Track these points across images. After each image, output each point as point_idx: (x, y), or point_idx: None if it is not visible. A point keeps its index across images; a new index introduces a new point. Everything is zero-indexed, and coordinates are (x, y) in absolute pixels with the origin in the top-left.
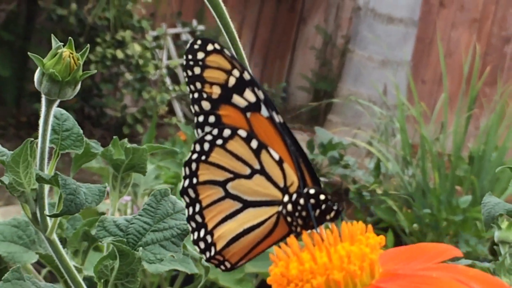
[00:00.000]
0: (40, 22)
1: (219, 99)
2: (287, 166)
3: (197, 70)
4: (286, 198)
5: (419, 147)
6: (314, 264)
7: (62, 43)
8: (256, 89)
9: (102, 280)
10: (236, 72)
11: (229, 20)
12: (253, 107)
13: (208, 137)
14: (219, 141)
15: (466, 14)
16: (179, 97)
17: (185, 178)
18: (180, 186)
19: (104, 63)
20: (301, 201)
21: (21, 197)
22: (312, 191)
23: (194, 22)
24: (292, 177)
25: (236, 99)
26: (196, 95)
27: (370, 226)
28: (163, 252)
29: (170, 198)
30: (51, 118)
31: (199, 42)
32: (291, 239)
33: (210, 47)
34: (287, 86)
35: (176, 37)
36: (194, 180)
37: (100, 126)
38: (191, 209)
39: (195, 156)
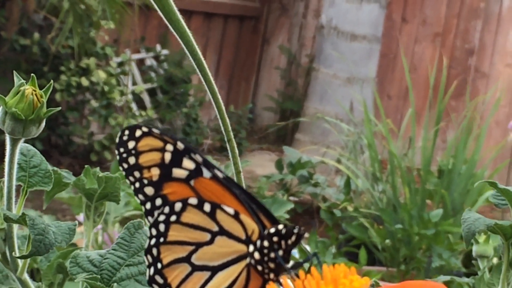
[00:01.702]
0: (3, 53)
1: (160, 179)
2: (244, 217)
3: (131, 160)
4: (251, 248)
5: (388, 162)
6: None
7: (25, 81)
8: (192, 155)
9: None
10: (169, 147)
11: (196, 46)
12: (195, 173)
13: (161, 218)
14: (173, 217)
15: (428, 28)
16: (146, 122)
17: (149, 266)
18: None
19: (70, 91)
20: (265, 243)
21: None
22: (272, 230)
23: (158, 47)
24: (252, 225)
25: (176, 172)
26: (137, 184)
27: (353, 268)
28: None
29: (144, 230)
30: (16, 157)
31: (126, 132)
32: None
33: (138, 132)
34: (253, 107)
35: (140, 62)
36: (159, 266)
37: (67, 154)
38: None
39: (153, 241)
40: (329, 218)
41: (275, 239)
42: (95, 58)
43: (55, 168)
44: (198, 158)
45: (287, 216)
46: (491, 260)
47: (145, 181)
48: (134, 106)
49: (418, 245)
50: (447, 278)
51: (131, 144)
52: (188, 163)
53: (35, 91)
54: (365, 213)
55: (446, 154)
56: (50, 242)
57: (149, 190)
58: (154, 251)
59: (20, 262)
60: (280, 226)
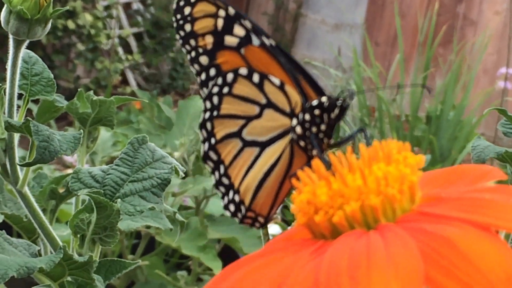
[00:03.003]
0: None
1: (214, 47)
2: (288, 88)
3: (187, 27)
4: (294, 122)
5: (376, 109)
6: (346, 188)
7: None
8: (242, 21)
9: (78, 235)
10: (222, 12)
11: None
12: (245, 41)
13: (215, 89)
14: (226, 89)
15: None
16: (132, 66)
17: (203, 141)
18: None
19: (55, 34)
20: (307, 116)
21: None
22: (314, 102)
23: None
24: (295, 97)
25: (228, 40)
26: (193, 54)
27: (407, 143)
28: (143, 204)
29: (149, 145)
30: (19, 61)
31: None
32: (316, 161)
33: None
34: None
35: (127, 6)
36: (213, 141)
37: None
38: (216, 173)
39: (207, 114)
40: (366, 135)
41: (317, 112)
42: (82, 1)
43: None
44: (248, 24)
45: None
46: None
47: (200, 50)
48: (120, 50)
49: None
50: None
51: (187, 10)
52: (239, 30)
53: None
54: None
55: (434, 100)
56: (55, 149)
57: (204, 59)
58: (208, 125)
59: (21, 174)
60: (323, 98)
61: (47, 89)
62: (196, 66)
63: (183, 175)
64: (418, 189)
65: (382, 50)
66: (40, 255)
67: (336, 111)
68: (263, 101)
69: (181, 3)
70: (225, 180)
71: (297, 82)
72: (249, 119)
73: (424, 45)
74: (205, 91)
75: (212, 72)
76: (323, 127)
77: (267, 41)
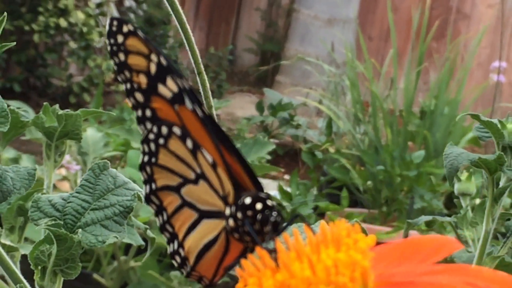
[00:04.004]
0: None
1: (148, 89)
2: (221, 171)
3: (121, 56)
4: (227, 211)
5: (370, 104)
6: (293, 279)
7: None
8: (176, 78)
9: (39, 267)
10: (154, 57)
11: None
12: (179, 99)
13: (151, 136)
14: (161, 141)
15: None
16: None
17: (144, 183)
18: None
19: (48, 32)
20: (239, 214)
21: None
22: (247, 200)
23: None
24: (227, 185)
25: (161, 89)
26: (128, 85)
27: (357, 225)
28: (105, 233)
29: (110, 171)
30: None
31: (115, 23)
32: (260, 249)
33: (125, 28)
34: (233, 49)
35: (119, 3)
36: (153, 186)
37: (46, 96)
38: (160, 217)
39: (146, 158)
40: (310, 160)
41: (249, 213)
42: None
43: (12, 107)
44: (181, 83)
45: (268, 157)
46: (473, 200)
47: (135, 85)
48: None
49: (400, 187)
50: (429, 218)
51: (119, 38)
52: (171, 85)
53: None
54: (346, 155)
55: (428, 95)
56: (8, 189)
57: (139, 97)
58: (148, 169)
59: None
60: (258, 206)
61: (1, 120)
62: (132, 100)
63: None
64: (371, 273)
65: (376, 45)
66: None
67: (268, 227)
68: (198, 170)
69: (114, 28)
70: (169, 228)
71: (228, 166)
72: (186, 180)
73: (417, 39)
74: (142, 128)
75: (148, 113)
76: (257, 227)
77: (199, 111)
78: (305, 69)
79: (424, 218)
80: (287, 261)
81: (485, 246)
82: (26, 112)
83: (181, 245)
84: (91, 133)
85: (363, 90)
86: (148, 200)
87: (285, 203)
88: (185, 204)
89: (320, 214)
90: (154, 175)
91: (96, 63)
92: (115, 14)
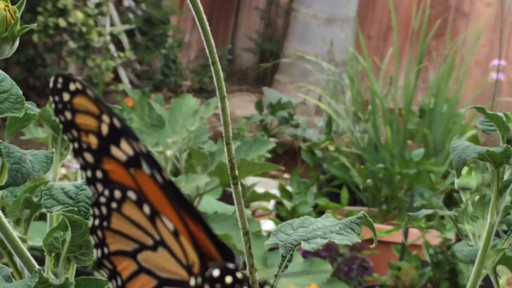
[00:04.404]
0: None
1: (99, 150)
2: (184, 240)
3: (68, 115)
4: (192, 282)
5: (369, 102)
6: None
7: None
8: (130, 141)
9: (53, 254)
10: (106, 118)
11: None
12: (135, 162)
13: (102, 199)
14: (114, 205)
15: None
16: (124, 63)
17: (96, 247)
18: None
19: (47, 32)
20: (206, 287)
21: None
22: (216, 272)
23: None
24: (192, 255)
25: (115, 151)
26: (76, 145)
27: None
28: None
29: None
30: None
31: (60, 80)
32: None
33: (72, 86)
34: (232, 48)
35: (118, 3)
36: (106, 250)
37: (45, 96)
38: (114, 282)
39: (97, 222)
40: (310, 158)
41: (217, 286)
42: None
43: None
44: (137, 147)
45: (268, 155)
46: (473, 194)
47: (84, 145)
48: (112, 47)
49: (400, 185)
50: (430, 211)
51: (65, 96)
52: (126, 147)
53: (7, 6)
54: (346, 153)
55: (427, 94)
56: (28, 171)
57: (89, 158)
58: (99, 233)
59: None
60: (228, 279)
61: (16, 106)
62: (81, 160)
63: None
64: None
65: (374, 44)
66: (14, 278)
67: None
68: (157, 236)
69: (58, 86)
70: None
71: (192, 236)
72: (142, 246)
73: (417, 38)
74: (92, 189)
75: (99, 174)
76: None
77: (158, 177)
78: (304, 68)
79: (425, 211)
80: None
81: (490, 239)
82: (32, 105)
83: None
84: None
85: (362, 88)
86: (100, 264)
87: (285, 202)
88: (142, 270)
89: (320, 212)
90: (106, 239)
91: (95, 63)
92: (114, 13)
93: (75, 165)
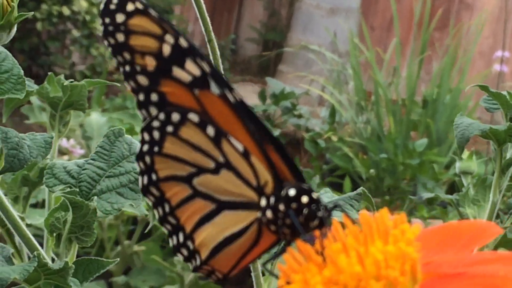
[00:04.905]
0: None
1: (157, 72)
2: (255, 160)
3: (120, 37)
4: (263, 202)
5: (372, 93)
6: (341, 275)
7: None
8: (198, 60)
9: (54, 234)
10: (169, 38)
11: None
12: (201, 83)
13: (156, 123)
14: (170, 128)
15: None
16: None
17: (141, 174)
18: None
19: (51, 20)
20: (281, 206)
21: None
22: (292, 192)
23: None
24: (265, 175)
25: (178, 73)
26: (127, 68)
27: (403, 214)
28: (120, 201)
29: (125, 138)
30: None
31: (114, 1)
32: (303, 244)
33: (130, 6)
34: (236, 38)
35: None
36: (154, 177)
37: None
38: (160, 209)
39: (146, 147)
40: (313, 148)
41: (293, 205)
42: None
43: None
44: (206, 66)
45: None
46: (474, 178)
47: (138, 68)
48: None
49: (403, 175)
50: (431, 195)
51: (119, 18)
52: (192, 67)
53: None
54: (349, 143)
55: (431, 84)
56: (25, 157)
57: (143, 80)
58: (147, 159)
59: None
60: (304, 199)
61: (17, 87)
62: (132, 83)
63: None
64: (419, 265)
65: (378, 35)
66: (14, 257)
67: (316, 222)
68: (220, 159)
69: (112, 7)
70: (172, 220)
71: (266, 155)
72: (201, 169)
73: (419, 28)
74: (143, 113)
75: (154, 97)
76: (301, 220)
77: (230, 96)
78: (307, 58)
79: (426, 195)
80: (333, 255)
81: (492, 217)
82: (30, 81)
83: (189, 237)
84: (95, 118)
85: (365, 79)
86: (145, 192)
87: None
88: (197, 194)
89: None
90: (155, 165)
91: (99, 52)
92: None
93: (79, 150)
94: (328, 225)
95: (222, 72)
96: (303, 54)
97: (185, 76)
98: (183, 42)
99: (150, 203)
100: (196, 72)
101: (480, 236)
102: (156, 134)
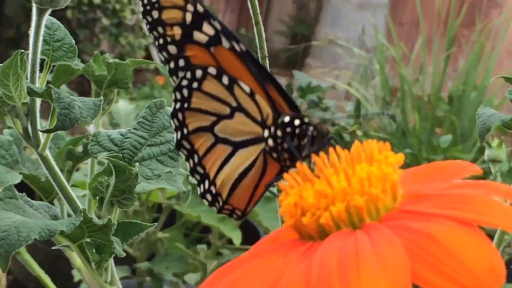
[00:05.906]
0: None
1: (182, 39)
2: (259, 98)
3: (155, 14)
4: (266, 133)
5: (398, 88)
6: (331, 190)
7: None
8: (212, 21)
9: (97, 198)
10: (190, 7)
11: None
12: (214, 41)
13: (184, 82)
14: (195, 84)
15: None
16: None
17: (176, 130)
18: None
19: (81, 8)
20: (279, 132)
21: (12, 111)
22: (286, 118)
23: None
24: (266, 109)
25: (197, 35)
26: (161, 41)
27: (387, 143)
28: (160, 168)
29: (166, 110)
30: (42, 28)
31: None
32: (301, 165)
33: None
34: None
35: None
36: (185, 131)
37: None
38: (191, 161)
39: (178, 105)
40: (338, 142)
41: (288, 130)
42: None
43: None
44: (217, 25)
45: None
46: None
47: (168, 39)
48: (144, 25)
49: None
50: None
51: None
52: (208, 28)
53: None
54: (374, 138)
55: (456, 81)
56: (76, 117)
57: (172, 49)
58: (180, 115)
59: (42, 138)
60: (296, 121)
61: (69, 55)
62: (165, 53)
63: None
64: (400, 187)
65: (407, 31)
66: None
67: (306, 140)
68: (234, 103)
69: None
70: (200, 169)
71: (267, 93)
72: (220, 117)
73: (445, 25)
74: (174, 79)
75: (181, 62)
76: (296, 142)
77: (237, 46)
78: (335, 53)
79: None
80: (325, 173)
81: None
82: (78, 60)
83: (212, 183)
84: (123, 105)
85: (391, 74)
86: (179, 146)
87: None
88: (218, 141)
89: None
90: (186, 120)
91: (127, 41)
92: None
93: None
94: (319, 145)
95: (266, 55)
96: (330, 48)
97: (203, 38)
98: (200, 8)
99: (183, 157)
100: (211, 31)
101: (460, 172)
102: (185, 92)
